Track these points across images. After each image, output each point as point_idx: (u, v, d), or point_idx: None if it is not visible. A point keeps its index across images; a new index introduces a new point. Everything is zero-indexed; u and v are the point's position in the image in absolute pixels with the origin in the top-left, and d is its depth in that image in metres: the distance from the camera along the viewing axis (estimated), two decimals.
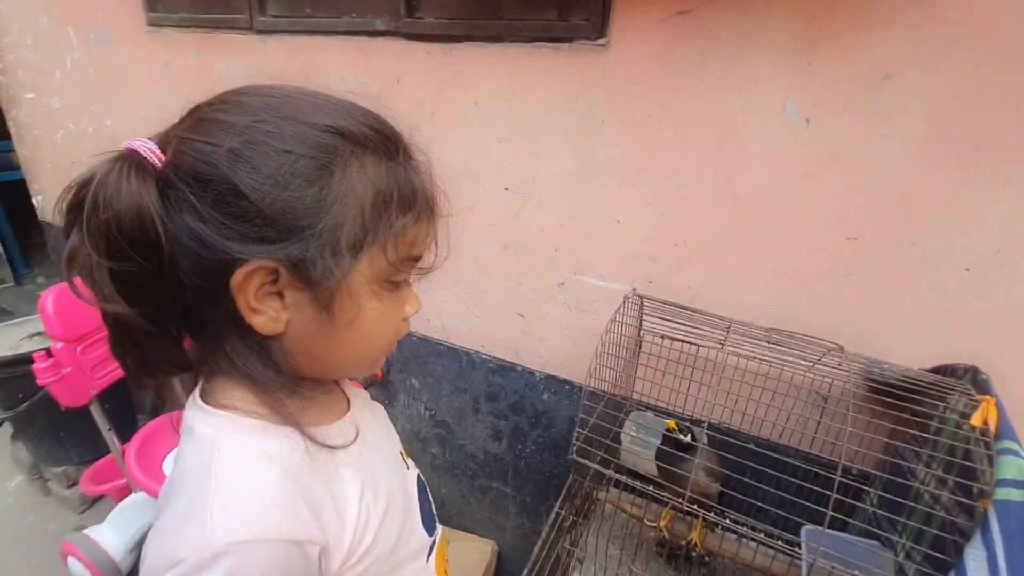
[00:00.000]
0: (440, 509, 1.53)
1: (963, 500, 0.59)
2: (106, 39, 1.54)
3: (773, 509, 0.71)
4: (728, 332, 0.85)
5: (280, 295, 0.39)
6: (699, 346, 0.93)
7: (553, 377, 1.15)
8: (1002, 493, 0.53)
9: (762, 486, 0.72)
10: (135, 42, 1.47)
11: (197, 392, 0.43)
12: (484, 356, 1.22)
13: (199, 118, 0.39)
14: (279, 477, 0.39)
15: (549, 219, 1.03)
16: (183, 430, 0.43)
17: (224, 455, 0.39)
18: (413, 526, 0.52)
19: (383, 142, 0.41)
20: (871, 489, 0.91)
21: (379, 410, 0.58)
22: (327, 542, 0.40)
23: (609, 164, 0.94)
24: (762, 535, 0.86)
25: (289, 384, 0.42)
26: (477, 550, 1.39)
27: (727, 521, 0.75)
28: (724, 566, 0.98)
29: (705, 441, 0.87)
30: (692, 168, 0.88)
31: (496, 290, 1.15)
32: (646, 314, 0.95)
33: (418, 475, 0.58)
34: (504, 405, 1.25)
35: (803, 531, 0.76)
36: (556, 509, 1.10)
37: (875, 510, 0.86)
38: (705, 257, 0.92)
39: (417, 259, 0.46)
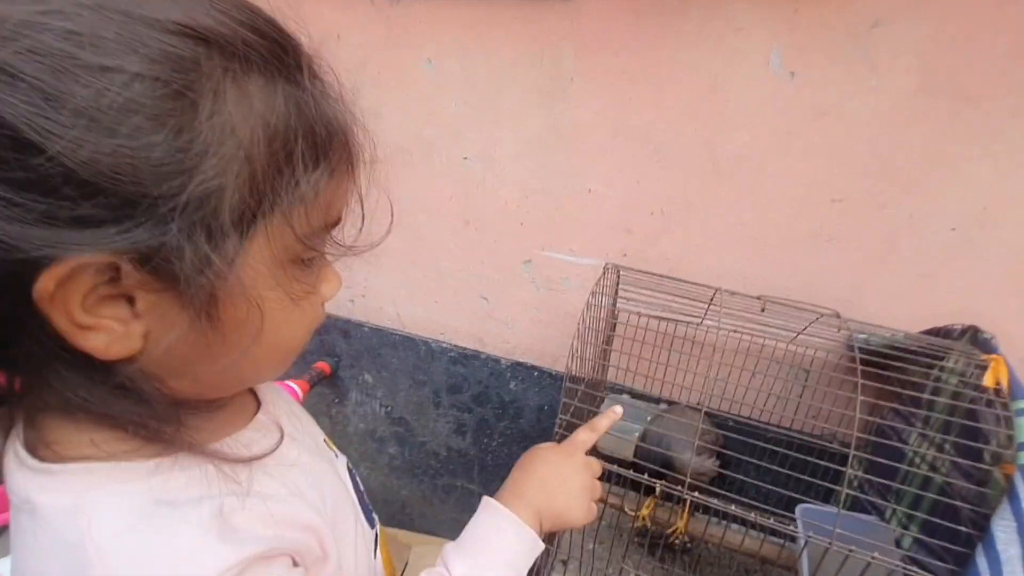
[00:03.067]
0: (401, 512, 1.42)
1: (972, 464, 0.56)
2: None
3: (764, 485, 0.66)
4: (710, 304, 0.79)
5: (128, 298, 0.26)
6: (676, 322, 0.87)
7: (520, 364, 1.07)
8: None
9: (747, 460, 0.67)
10: None
11: (18, 445, 0.29)
12: (444, 345, 1.12)
13: None
14: (192, 523, 0.29)
15: (514, 191, 0.94)
16: (13, 510, 0.29)
17: (99, 530, 0.27)
18: (355, 519, 0.45)
19: (275, 54, 0.28)
20: (855, 452, 0.89)
21: (286, 394, 0.48)
22: (297, 549, 0.34)
23: (579, 128, 0.86)
24: (753, 516, 0.82)
25: (161, 413, 0.29)
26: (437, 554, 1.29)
27: (715, 501, 0.70)
28: (709, 552, 0.93)
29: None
30: (669, 130, 0.82)
31: (457, 271, 1.05)
32: (621, 288, 0.88)
33: (347, 463, 0.50)
34: (467, 397, 1.15)
35: (798, 509, 0.72)
36: None
37: (861, 475, 0.84)
38: (683, 226, 0.87)
39: (335, 225, 0.35)
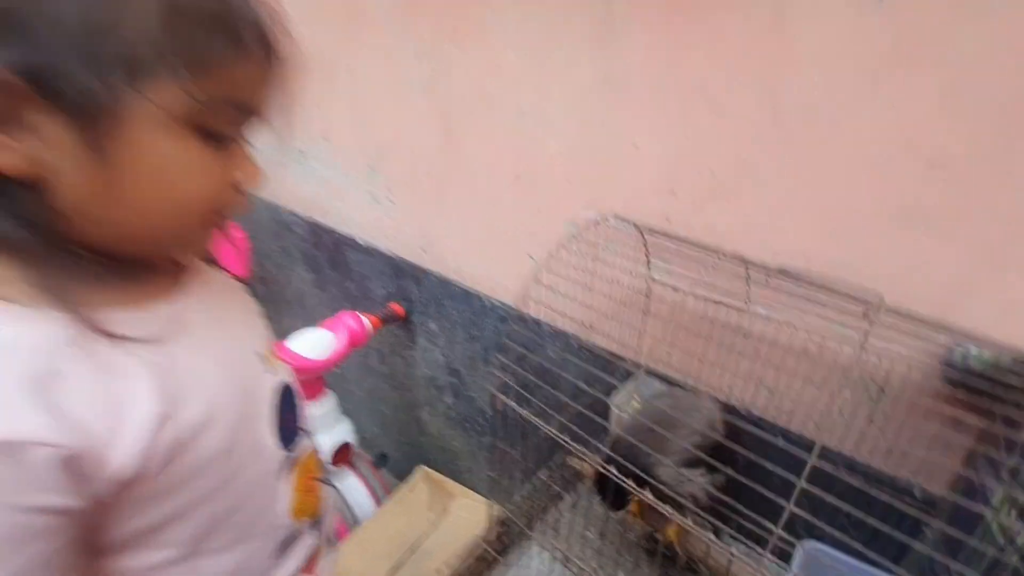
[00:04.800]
0: (452, 463, 1.48)
1: None
2: None
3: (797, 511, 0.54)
4: (749, 283, 0.66)
5: (22, 121, 0.29)
6: (715, 303, 0.75)
7: (561, 332, 1.02)
8: None
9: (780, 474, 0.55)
10: None
11: None
12: (495, 302, 1.12)
13: None
14: (4, 369, 0.31)
15: (561, 145, 0.90)
16: None
17: None
18: (257, 439, 0.44)
19: None
20: (932, 522, 0.67)
21: (238, 302, 0.50)
22: (77, 446, 0.31)
23: (628, 75, 0.78)
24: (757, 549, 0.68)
25: (61, 252, 0.33)
26: (477, 511, 1.31)
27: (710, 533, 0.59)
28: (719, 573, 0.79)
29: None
30: (724, 76, 0.70)
31: (507, 228, 1.04)
32: (654, 260, 0.78)
33: (285, 383, 0.49)
34: (512, 357, 1.14)
35: (800, 549, 0.57)
36: (538, 475, 0.98)
37: (932, 553, 0.63)
38: (735, 191, 0.74)
39: (246, 110, 0.36)
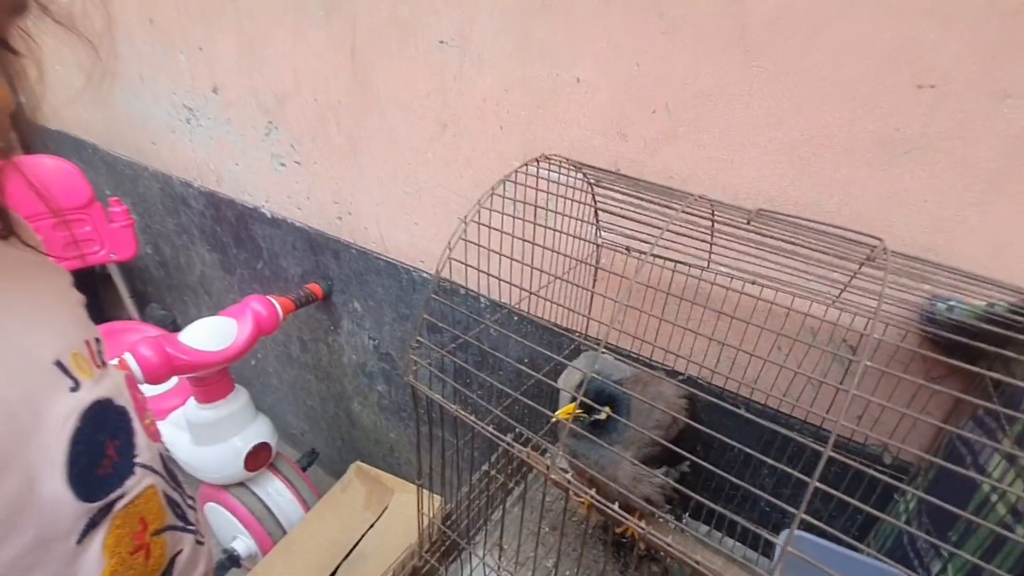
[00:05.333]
0: (390, 455, 1.34)
1: None
2: None
3: (767, 497, 0.44)
4: (713, 233, 0.56)
5: None
6: (669, 262, 0.65)
7: (500, 305, 0.90)
8: None
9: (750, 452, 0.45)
10: None
11: None
12: (424, 275, 0.98)
13: None
14: None
15: (493, 82, 0.76)
16: None
17: None
18: (31, 492, 0.30)
19: None
20: (909, 488, 0.61)
21: (33, 291, 0.36)
22: None
23: None
24: (725, 539, 0.60)
25: None
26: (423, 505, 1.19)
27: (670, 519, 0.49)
28: (681, 570, 0.71)
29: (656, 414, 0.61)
30: None
31: (435, 187, 0.90)
32: (600, 205, 0.67)
33: (104, 400, 0.36)
34: (447, 337, 1.01)
35: (782, 536, 0.49)
36: (485, 468, 0.87)
37: (911, 518, 0.57)
38: (695, 128, 0.63)
39: None
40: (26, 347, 0.33)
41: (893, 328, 0.57)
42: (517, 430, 0.48)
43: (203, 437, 1.09)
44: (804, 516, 0.30)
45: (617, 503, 0.42)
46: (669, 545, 0.37)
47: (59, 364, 0.34)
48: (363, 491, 1.25)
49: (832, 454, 0.30)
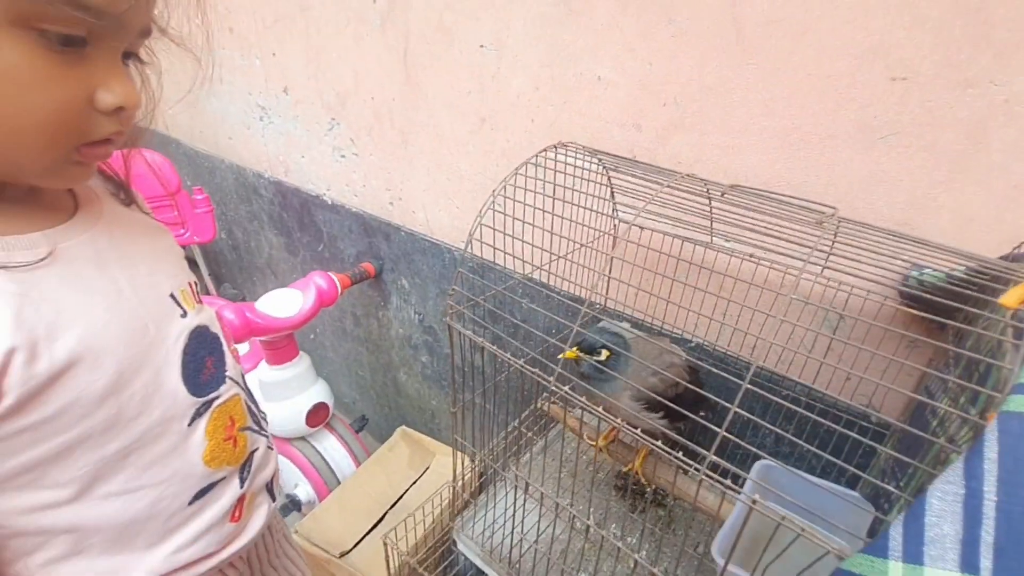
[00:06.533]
0: (431, 421, 1.47)
1: (971, 419, 0.38)
2: None
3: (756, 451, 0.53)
4: (711, 212, 0.64)
5: None
6: (677, 238, 0.73)
7: (528, 280, 1.01)
8: (1018, 403, 0.32)
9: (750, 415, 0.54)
10: None
11: None
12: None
13: None
14: None
15: (525, 81, 0.86)
16: None
17: None
18: (159, 382, 0.42)
19: None
20: (880, 445, 0.68)
21: (151, 243, 0.46)
22: None
23: None
24: (707, 471, 0.68)
25: None
26: (457, 429, 1.31)
27: (665, 448, 0.58)
28: (683, 510, 0.80)
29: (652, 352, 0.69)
30: None
31: (474, 174, 1.01)
32: (617, 190, 0.76)
33: (203, 327, 0.47)
34: (483, 312, 1.13)
35: (756, 466, 0.57)
36: (514, 423, 0.98)
37: (888, 462, 0.64)
38: (700, 119, 0.71)
39: (93, 10, 0.31)
40: (152, 283, 0.44)
41: (875, 295, 0.64)
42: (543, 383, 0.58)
43: (272, 394, 1.25)
44: (724, 434, 0.38)
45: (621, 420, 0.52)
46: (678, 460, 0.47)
47: (172, 296, 0.45)
48: (407, 452, 1.39)
49: (749, 387, 0.39)
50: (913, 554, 0.32)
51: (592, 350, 0.63)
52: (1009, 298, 0.37)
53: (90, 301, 0.38)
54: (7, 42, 0.29)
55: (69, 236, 0.39)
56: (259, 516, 0.52)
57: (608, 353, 0.63)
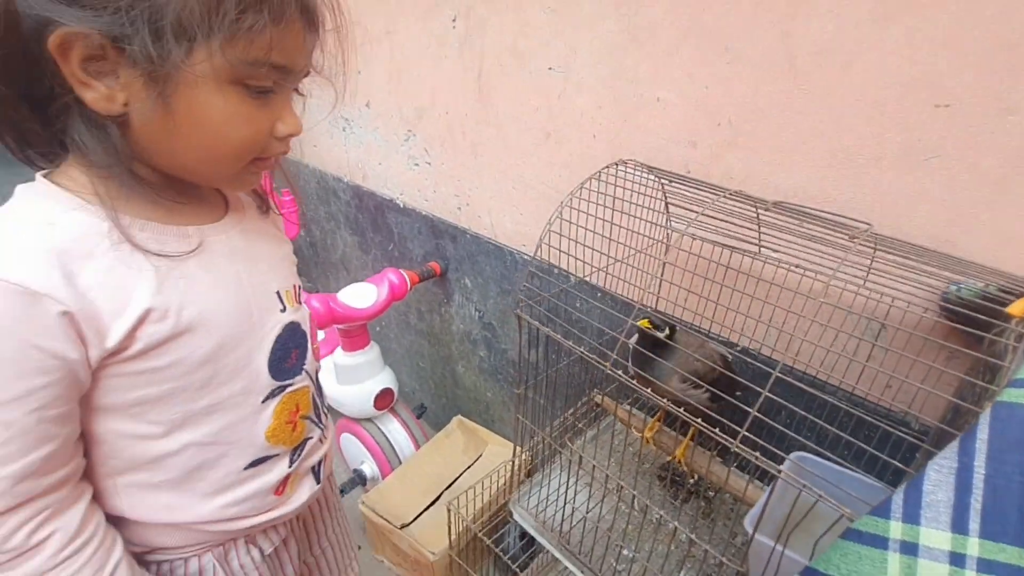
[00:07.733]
0: (485, 412, 1.57)
1: None
2: None
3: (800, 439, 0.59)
4: (759, 226, 0.70)
5: (116, 73, 0.38)
6: (728, 249, 0.79)
7: (585, 282, 1.08)
8: (1011, 394, 0.37)
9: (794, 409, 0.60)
10: None
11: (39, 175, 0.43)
12: (526, 256, 1.19)
13: None
14: (44, 238, 0.39)
15: (588, 101, 0.95)
16: None
17: (5, 208, 0.41)
18: (248, 360, 0.50)
19: None
20: (924, 444, 0.71)
21: (271, 247, 0.55)
22: (80, 310, 0.39)
23: (651, 28, 0.83)
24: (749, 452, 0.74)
25: (125, 171, 0.42)
26: (508, 456, 1.40)
27: (713, 431, 0.65)
28: (723, 502, 0.85)
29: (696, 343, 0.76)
30: (742, 24, 0.73)
31: (538, 184, 1.10)
32: (672, 204, 0.83)
33: (296, 323, 0.55)
34: (542, 311, 1.21)
35: (792, 455, 0.63)
36: (565, 414, 1.06)
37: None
38: (752, 139, 0.77)
39: (283, 69, 0.42)
40: (264, 280, 0.52)
41: (916, 306, 0.68)
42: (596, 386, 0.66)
43: (345, 378, 1.39)
44: (755, 413, 0.45)
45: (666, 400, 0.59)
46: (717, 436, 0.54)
47: (277, 294, 0.53)
48: (462, 440, 1.49)
49: (779, 375, 0.45)
50: (912, 516, 0.38)
51: (657, 326, 0.71)
52: (1015, 308, 0.42)
53: (215, 285, 0.47)
54: (224, 95, 0.40)
55: (216, 232, 0.49)
56: (302, 493, 0.59)
57: (670, 329, 0.70)
